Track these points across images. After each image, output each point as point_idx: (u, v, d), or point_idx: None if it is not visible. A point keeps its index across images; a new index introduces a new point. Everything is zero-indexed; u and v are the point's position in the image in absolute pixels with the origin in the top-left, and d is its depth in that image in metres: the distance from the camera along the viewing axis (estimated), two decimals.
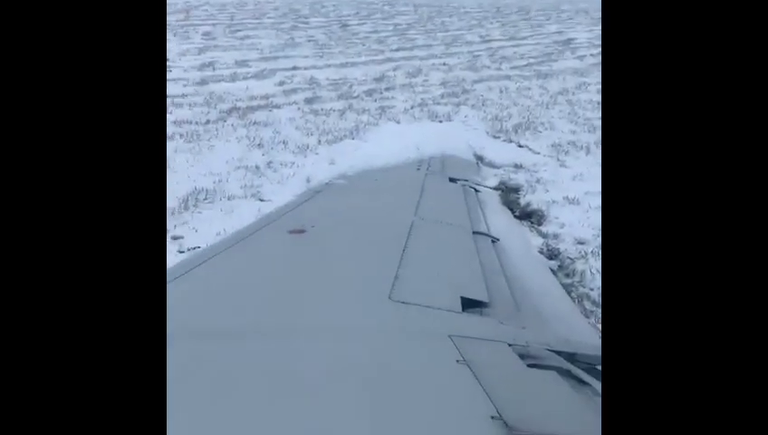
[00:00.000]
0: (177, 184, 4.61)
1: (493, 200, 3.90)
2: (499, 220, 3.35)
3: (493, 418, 1.15)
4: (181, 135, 5.85)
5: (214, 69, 9.17)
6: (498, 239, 2.77)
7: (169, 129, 6.02)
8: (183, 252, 3.51)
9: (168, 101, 7.04)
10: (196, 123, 6.28)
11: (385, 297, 1.79)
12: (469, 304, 1.85)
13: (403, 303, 1.77)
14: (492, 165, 5.12)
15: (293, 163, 5.19)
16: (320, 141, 5.86)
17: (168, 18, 14.23)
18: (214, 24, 13.99)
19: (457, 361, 1.41)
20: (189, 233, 3.80)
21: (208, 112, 6.75)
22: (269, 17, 16.37)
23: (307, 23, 15.30)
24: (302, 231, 2.43)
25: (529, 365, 1.48)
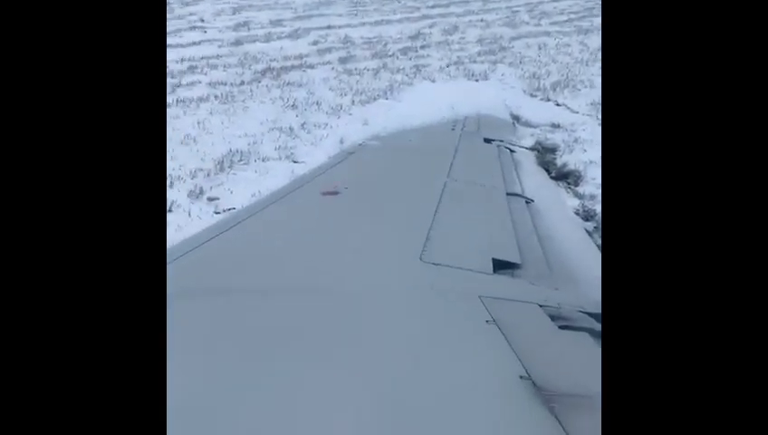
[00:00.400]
0: (213, 145, 4.66)
1: (528, 161, 3.84)
2: (534, 181, 3.30)
3: (521, 377, 1.16)
4: (216, 96, 5.88)
5: (248, 29, 9.13)
6: (533, 200, 2.74)
7: (204, 90, 6.06)
8: (219, 213, 3.57)
9: (203, 62, 7.07)
10: (231, 84, 6.30)
11: (416, 258, 1.79)
12: (501, 266, 1.85)
13: (434, 264, 1.77)
14: (528, 124, 5.01)
15: (327, 124, 5.18)
16: (353, 102, 5.82)
17: None
18: None
19: (487, 321, 1.41)
20: (225, 194, 3.85)
21: (243, 73, 6.75)
22: None
23: None
24: (334, 192, 2.44)
25: (560, 327, 1.47)
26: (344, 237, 2.00)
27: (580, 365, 1.31)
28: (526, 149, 4.17)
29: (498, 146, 3.71)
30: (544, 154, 4.25)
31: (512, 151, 3.72)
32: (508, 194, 2.67)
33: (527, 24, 10.14)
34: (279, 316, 1.39)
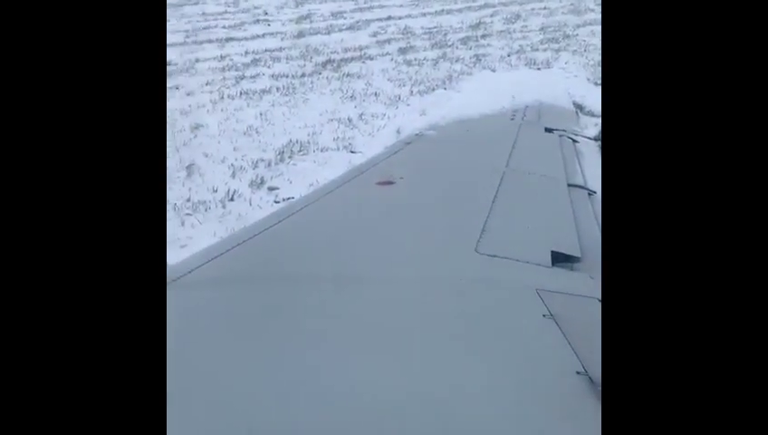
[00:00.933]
0: (274, 136, 4.75)
1: (591, 151, 3.71)
2: (598, 172, 3.19)
3: (578, 373, 1.12)
4: (278, 88, 5.99)
5: (311, 21, 9.24)
6: (595, 192, 2.64)
7: (267, 82, 6.17)
8: (278, 202, 3.64)
9: (267, 55, 7.20)
10: (293, 77, 6.40)
11: (471, 250, 1.76)
12: (560, 259, 1.79)
13: (490, 256, 1.74)
14: (592, 114, 4.85)
15: (385, 115, 5.18)
16: (411, 92, 5.80)
17: None
18: None
19: (544, 315, 1.37)
20: (284, 184, 3.92)
21: (304, 65, 6.84)
22: None
23: None
24: (390, 182, 2.43)
25: None
26: (398, 227, 1.99)
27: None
28: (589, 138, 4.04)
29: (560, 136, 3.60)
30: None
31: (574, 141, 3.61)
32: (569, 185, 2.58)
33: (593, 11, 9.81)
34: (328, 304, 1.40)
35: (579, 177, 2.85)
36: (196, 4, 10.42)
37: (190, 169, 4.12)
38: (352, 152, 4.44)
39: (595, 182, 2.88)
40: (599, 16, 9.33)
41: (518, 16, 9.49)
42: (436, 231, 1.97)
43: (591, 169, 3.16)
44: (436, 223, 2.04)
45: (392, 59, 7.14)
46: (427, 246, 1.84)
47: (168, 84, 5.99)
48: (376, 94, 5.79)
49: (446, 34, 8.38)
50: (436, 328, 1.31)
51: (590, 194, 2.58)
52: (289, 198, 3.57)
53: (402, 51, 7.50)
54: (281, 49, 7.56)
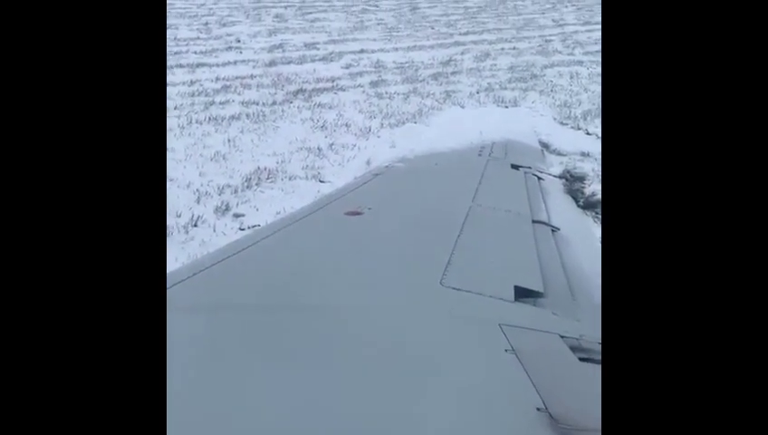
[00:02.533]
0: (242, 163, 4.72)
1: (556, 189, 3.78)
2: (561, 209, 3.25)
3: (538, 409, 1.12)
4: (248, 115, 5.97)
5: (284, 51, 9.30)
6: (558, 229, 2.69)
7: (237, 109, 6.16)
8: (243, 229, 3.60)
9: (237, 81, 7.20)
10: (263, 104, 6.40)
11: (436, 282, 1.77)
12: (523, 294, 1.80)
13: (454, 289, 1.74)
14: (557, 152, 4.96)
15: (355, 146, 5.20)
16: (382, 124, 5.85)
17: (242, 1, 14.52)
18: (285, 7, 14.16)
19: (506, 350, 1.37)
20: (250, 211, 3.88)
21: (275, 93, 6.85)
22: (339, 0, 16.43)
23: (377, 6, 15.25)
24: (358, 213, 2.43)
25: (580, 359, 1.42)
26: (364, 257, 1.98)
27: (599, 399, 1.26)
28: (554, 176, 4.12)
29: (525, 173, 3.67)
30: (573, 182, 4.19)
31: (539, 179, 3.68)
32: (534, 221, 2.62)
33: (560, 52, 10.13)
34: (290, 332, 1.38)
35: (543, 213, 2.89)
36: (168, 28, 10.40)
37: None
38: (321, 181, 4.43)
39: (559, 219, 2.93)
40: (566, 57, 9.64)
41: (487, 55, 9.73)
42: (402, 262, 1.97)
43: (556, 206, 3.22)
44: (401, 254, 2.04)
45: (364, 91, 7.22)
46: (391, 276, 1.83)
47: None
48: (347, 125, 5.82)
49: (417, 70, 8.52)
50: (397, 360, 1.30)
51: (553, 231, 2.62)
52: (255, 226, 3.53)
53: (374, 84, 7.59)
54: (252, 76, 7.57)
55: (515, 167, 3.76)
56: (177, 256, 3.21)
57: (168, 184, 4.23)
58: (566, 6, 16.16)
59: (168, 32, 10.10)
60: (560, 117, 6.32)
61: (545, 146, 5.03)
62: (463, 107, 6.60)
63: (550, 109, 6.63)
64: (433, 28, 12.13)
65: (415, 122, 5.89)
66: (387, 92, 7.17)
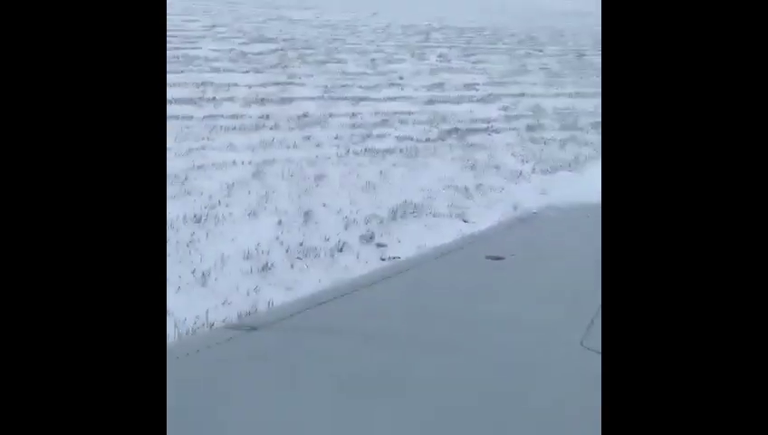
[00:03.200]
0: (390, 196, 4.85)
1: None
2: None
3: None
4: (401, 150, 6.15)
5: (443, 90, 9.51)
6: None
7: (391, 143, 6.37)
8: (384, 260, 3.68)
9: (395, 117, 7.46)
10: (418, 140, 6.56)
11: (576, 342, 1.67)
12: None
13: (596, 352, 1.63)
14: None
15: (503, 189, 5.14)
16: (534, 169, 5.73)
17: (408, 39, 15.13)
18: (450, 47, 14.51)
19: None
20: (393, 242, 3.97)
21: (430, 131, 7.00)
22: (504, 43, 16.50)
23: (542, 51, 15.11)
24: (500, 258, 2.37)
25: None
26: (501, 305, 1.93)
27: None
28: None
29: None
30: None
31: None
32: None
33: None
34: (416, 369, 1.37)
35: None
36: (338, 63, 11.10)
37: (307, 215, 4.29)
38: (465, 221, 4.42)
39: None
40: None
41: None
42: (541, 315, 1.88)
43: None
44: (541, 307, 1.95)
45: (518, 134, 7.14)
46: (528, 329, 1.76)
47: (300, 134, 6.36)
48: (497, 167, 5.78)
49: (577, 117, 8.27)
50: (527, 417, 1.23)
51: None
52: (395, 257, 3.60)
53: (530, 128, 7.48)
54: (410, 113, 7.81)
55: None
56: (321, 278, 3.36)
57: (321, 209, 4.46)
58: None
59: (338, 66, 10.78)
60: None
61: None
62: None
63: None
64: (599, 76, 11.73)
65: (569, 170, 5.70)
66: (542, 137, 7.03)
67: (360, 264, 3.65)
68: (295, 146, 5.98)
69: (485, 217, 4.27)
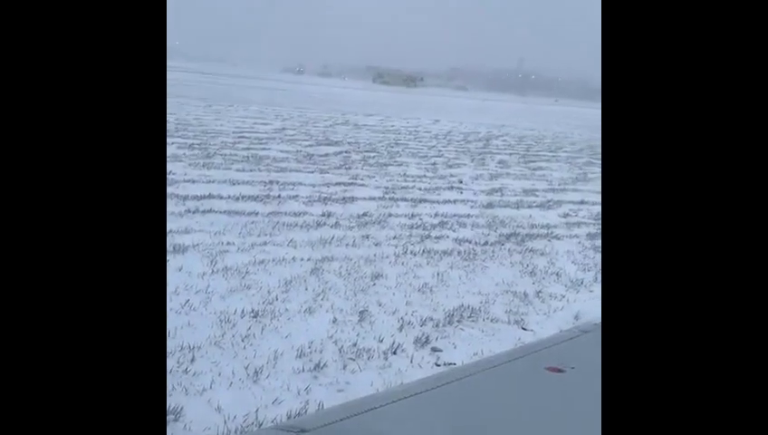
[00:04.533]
0: (447, 298, 4.79)
1: None
2: None
3: None
4: (459, 253, 6.14)
5: (502, 194, 9.57)
6: None
7: (450, 245, 6.38)
8: (439, 365, 3.58)
9: (454, 219, 7.52)
10: (476, 243, 6.54)
11: None
12: None
13: None
14: None
15: (564, 297, 5.00)
16: (596, 279, 5.57)
17: (468, 145, 15.49)
18: (510, 154, 14.76)
19: None
20: (448, 347, 3.87)
21: (488, 235, 6.99)
22: (565, 151, 16.66)
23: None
24: (560, 370, 2.27)
25: None
26: (559, 421, 1.82)
27: None
28: None
29: None
30: None
31: None
32: None
33: None
34: None
35: None
36: (400, 165, 11.42)
37: (362, 314, 4.27)
38: (524, 329, 4.29)
39: None
40: None
41: None
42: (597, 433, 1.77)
43: None
44: (598, 425, 1.84)
45: (579, 242, 7.02)
46: None
47: (360, 233, 6.47)
48: (557, 274, 5.66)
49: None
50: None
51: None
52: (450, 364, 3.49)
53: (591, 236, 7.36)
54: (468, 216, 7.86)
55: None
56: (374, 381, 3.29)
57: (377, 309, 4.44)
58: None
59: (399, 168, 11.09)
60: None
61: None
62: None
63: None
64: None
65: None
66: None
67: (413, 368, 3.56)
68: (354, 244, 6.07)
69: (545, 326, 4.15)
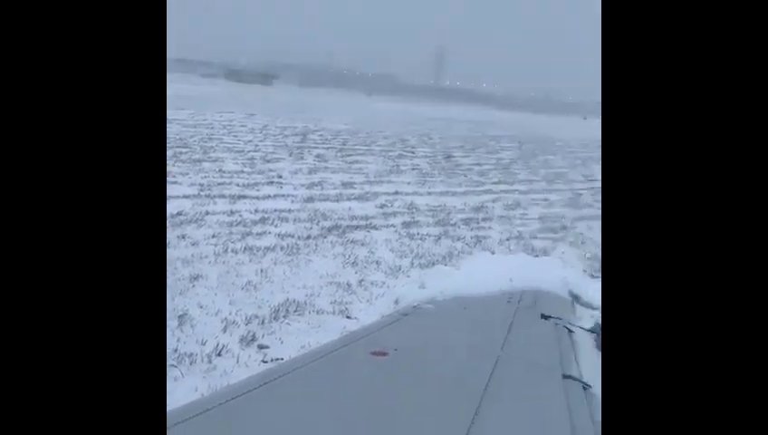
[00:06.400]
0: (272, 294, 4.76)
1: (587, 343, 3.68)
2: (593, 365, 3.14)
3: None
4: (282, 248, 6.12)
5: (322, 188, 9.71)
6: (591, 386, 2.58)
7: (272, 241, 6.33)
8: (266, 362, 3.55)
9: (275, 215, 7.47)
10: (298, 238, 6.57)
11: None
12: None
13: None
14: (588, 306, 4.88)
15: (384, 283, 5.23)
16: (412, 264, 5.91)
17: (286, 140, 15.45)
18: (327, 148, 14.99)
19: None
20: (275, 343, 3.85)
21: (311, 228, 7.06)
22: (378, 145, 17.34)
23: (413, 152, 16.03)
24: (384, 353, 2.38)
25: None
26: (387, 403, 1.92)
27: None
28: (585, 330, 4.03)
29: (556, 324, 3.59)
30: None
31: (570, 331, 3.60)
32: (564, 376, 2.53)
33: (590, 206, 10.33)
34: None
35: (574, 368, 2.79)
36: (215, 161, 11.04)
37: (182, 318, 4.08)
38: (348, 317, 4.42)
39: (591, 375, 2.82)
40: (596, 212, 9.79)
41: (518, 204, 9.97)
42: (425, 412, 1.89)
43: (587, 361, 3.11)
44: (425, 403, 1.97)
45: (396, 231, 7.39)
46: (414, 427, 1.76)
47: (175, 233, 6.15)
48: (377, 263, 5.90)
49: (449, 214, 8.74)
50: None
51: (585, 387, 2.51)
52: (278, 359, 3.48)
53: (406, 224, 7.78)
54: (290, 211, 7.86)
55: (545, 317, 3.70)
56: (198, 386, 3.16)
57: (198, 311, 4.26)
58: (596, 163, 16.72)
59: (215, 164, 10.70)
60: (590, 270, 6.30)
61: (575, 298, 4.97)
62: (493, 253, 6.66)
63: (580, 261, 6.64)
64: (466, 176, 12.60)
65: (445, 264, 5.93)
66: (419, 233, 7.32)
67: (240, 367, 3.49)
68: (169, 245, 5.76)
69: (368, 313, 4.30)
